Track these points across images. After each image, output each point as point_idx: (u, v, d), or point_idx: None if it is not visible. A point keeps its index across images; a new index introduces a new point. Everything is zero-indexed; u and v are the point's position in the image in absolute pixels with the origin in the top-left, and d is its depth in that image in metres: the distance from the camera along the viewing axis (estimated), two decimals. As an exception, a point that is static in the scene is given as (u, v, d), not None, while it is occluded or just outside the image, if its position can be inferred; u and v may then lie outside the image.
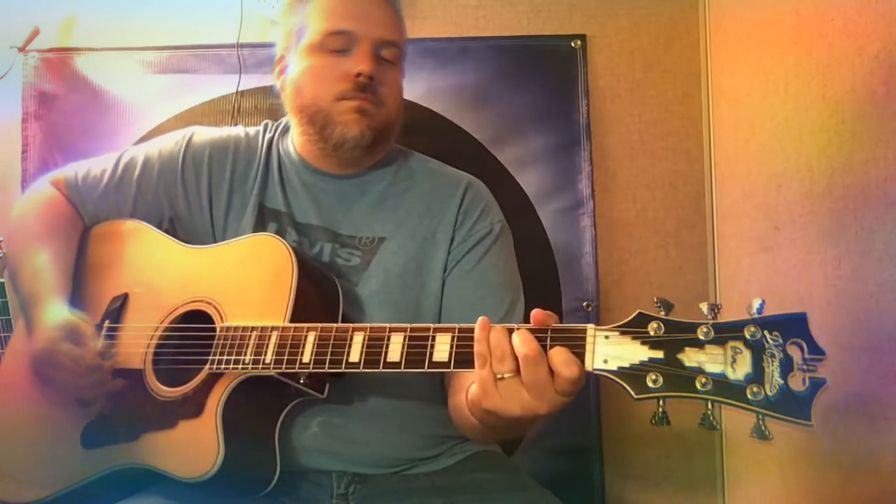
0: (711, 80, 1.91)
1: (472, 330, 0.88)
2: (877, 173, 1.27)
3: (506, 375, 0.84)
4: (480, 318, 0.87)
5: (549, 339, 0.84)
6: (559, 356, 0.82)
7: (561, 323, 0.86)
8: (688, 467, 1.88)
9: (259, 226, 1.23)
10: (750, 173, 1.72)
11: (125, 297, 1.18)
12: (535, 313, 0.86)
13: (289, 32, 1.26)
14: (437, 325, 0.91)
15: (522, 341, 0.83)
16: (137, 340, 1.12)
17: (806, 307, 1.46)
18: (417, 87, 1.87)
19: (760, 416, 0.74)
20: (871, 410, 1.28)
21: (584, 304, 1.84)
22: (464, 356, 0.88)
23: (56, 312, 1.10)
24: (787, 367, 0.73)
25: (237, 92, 1.85)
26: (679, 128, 1.93)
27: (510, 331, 0.85)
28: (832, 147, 1.40)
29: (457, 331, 0.89)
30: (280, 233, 1.21)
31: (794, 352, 0.74)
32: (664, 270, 1.91)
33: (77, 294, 1.18)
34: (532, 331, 0.85)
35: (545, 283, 1.82)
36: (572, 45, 1.89)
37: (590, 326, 0.83)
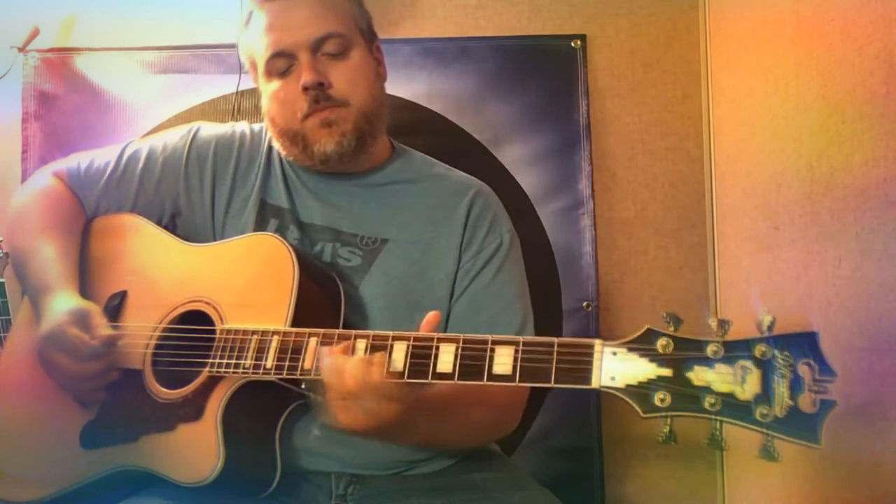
0: (711, 80, 1.91)
1: (476, 340, 0.87)
2: (877, 173, 1.27)
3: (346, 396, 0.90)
4: (322, 348, 0.94)
5: (555, 354, 0.83)
6: (370, 365, 0.89)
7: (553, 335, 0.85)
8: (688, 467, 1.88)
9: (260, 222, 1.22)
10: (750, 173, 1.72)
11: (123, 294, 1.17)
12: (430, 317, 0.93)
13: (251, 66, 1.26)
14: (441, 335, 0.90)
15: (352, 368, 0.89)
16: (136, 340, 1.12)
17: (806, 307, 1.46)
18: (417, 87, 1.87)
19: (769, 437, 0.73)
20: (871, 410, 1.28)
21: (584, 304, 1.84)
22: (468, 368, 0.87)
23: (67, 300, 1.10)
24: (797, 387, 0.72)
25: (237, 92, 1.85)
26: (679, 128, 1.93)
27: (348, 352, 0.91)
28: (832, 147, 1.39)
29: (461, 341, 0.88)
30: (281, 230, 1.20)
31: (804, 372, 0.72)
32: (664, 270, 1.91)
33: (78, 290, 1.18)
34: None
35: (545, 283, 1.82)
36: (572, 45, 1.89)
37: (597, 342, 0.81)
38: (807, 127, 1.48)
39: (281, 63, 1.17)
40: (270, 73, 1.19)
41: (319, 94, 1.15)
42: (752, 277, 1.71)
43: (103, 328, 1.07)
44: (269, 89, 1.20)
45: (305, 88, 1.14)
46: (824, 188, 1.42)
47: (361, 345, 0.92)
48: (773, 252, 1.61)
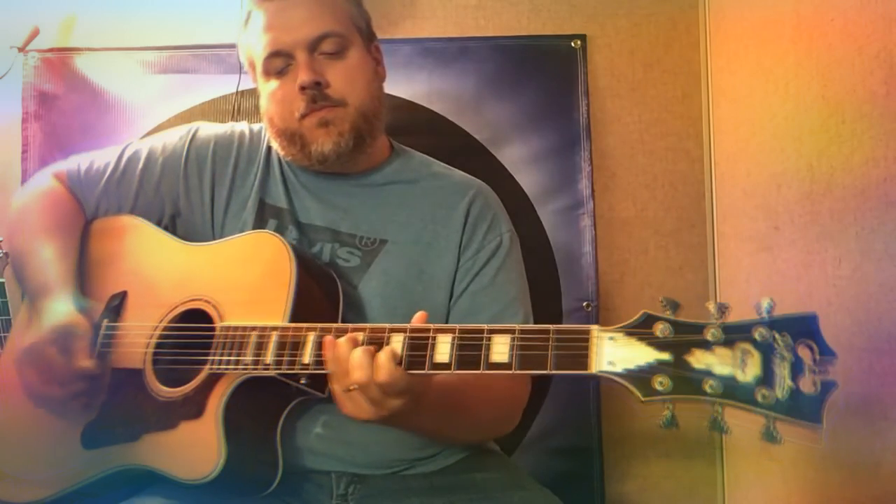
0: (711, 80, 1.91)
1: (473, 330, 0.88)
2: (877, 173, 1.27)
3: (352, 387, 0.90)
4: (326, 338, 0.94)
5: (551, 340, 0.83)
6: (376, 361, 0.88)
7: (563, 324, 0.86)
8: (688, 467, 1.88)
9: (259, 222, 1.22)
10: (750, 173, 1.72)
11: (124, 294, 1.18)
12: (417, 318, 0.92)
13: (249, 66, 1.25)
14: (438, 326, 0.90)
15: (357, 360, 0.89)
16: (137, 339, 1.12)
17: (806, 307, 1.46)
18: (417, 87, 1.87)
19: (770, 419, 0.72)
20: (871, 410, 1.28)
21: (584, 304, 1.84)
22: (466, 357, 0.87)
23: (66, 302, 1.10)
24: (797, 368, 0.72)
25: (237, 92, 1.85)
26: (679, 128, 1.93)
27: (355, 344, 0.91)
28: (832, 147, 1.40)
29: (457, 331, 0.88)
30: (280, 229, 1.20)
31: (804, 353, 0.72)
32: (664, 270, 1.91)
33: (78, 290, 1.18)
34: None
35: (545, 283, 1.82)
36: (572, 45, 1.89)
37: (594, 328, 0.81)
38: (807, 127, 1.48)
39: (278, 62, 1.17)
40: (268, 72, 1.18)
41: (317, 93, 1.14)
42: (752, 277, 1.71)
43: (88, 352, 1.07)
44: (267, 89, 1.20)
45: (302, 88, 1.14)
46: (824, 188, 1.42)
47: (359, 338, 0.92)
48: (773, 252, 1.61)
